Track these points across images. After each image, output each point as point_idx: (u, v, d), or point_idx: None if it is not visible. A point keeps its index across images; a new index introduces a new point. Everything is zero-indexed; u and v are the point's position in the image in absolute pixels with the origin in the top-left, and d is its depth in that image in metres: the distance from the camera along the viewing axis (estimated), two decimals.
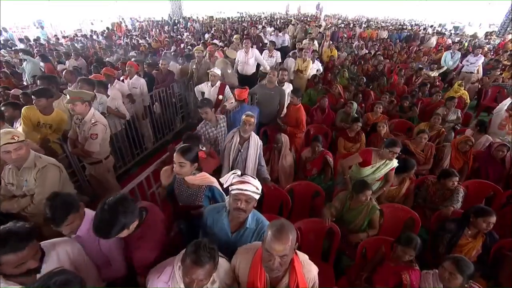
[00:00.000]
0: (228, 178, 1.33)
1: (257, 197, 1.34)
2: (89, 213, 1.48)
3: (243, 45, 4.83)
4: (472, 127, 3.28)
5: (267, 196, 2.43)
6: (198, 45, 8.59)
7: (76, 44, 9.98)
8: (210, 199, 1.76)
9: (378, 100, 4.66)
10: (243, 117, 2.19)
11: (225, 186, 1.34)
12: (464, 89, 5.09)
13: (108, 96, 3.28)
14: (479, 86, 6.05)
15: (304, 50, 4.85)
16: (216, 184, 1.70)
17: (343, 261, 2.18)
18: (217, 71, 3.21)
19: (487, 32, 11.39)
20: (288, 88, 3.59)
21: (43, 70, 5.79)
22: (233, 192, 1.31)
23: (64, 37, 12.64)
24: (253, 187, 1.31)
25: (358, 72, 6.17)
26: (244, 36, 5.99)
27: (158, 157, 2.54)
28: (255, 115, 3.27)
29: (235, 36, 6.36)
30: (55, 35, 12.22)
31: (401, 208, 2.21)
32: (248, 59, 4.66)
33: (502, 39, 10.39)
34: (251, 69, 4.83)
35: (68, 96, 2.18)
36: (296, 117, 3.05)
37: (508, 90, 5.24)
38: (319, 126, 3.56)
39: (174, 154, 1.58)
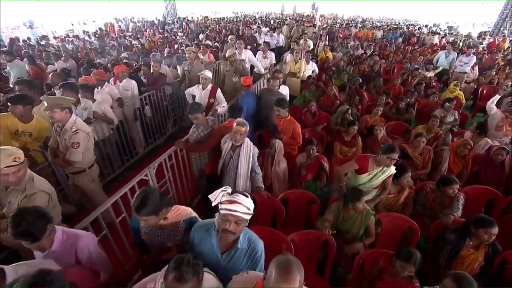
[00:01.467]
0: (217, 196, 1.20)
1: (248, 217, 1.21)
2: (58, 227, 1.43)
3: (236, 46, 4.72)
4: (472, 130, 3.21)
5: (260, 205, 2.32)
6: (192, 45, 8.53)
7: (67, 45, 9.77)
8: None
9: (375, 102, 4.62)
10: (234, 125, 2.09)
11: (213, 204, 1.22)
12: (459, 89, 5.05)
13: (94, 100, 3.14)
14: (475, 86, 6.03)
15: (295, 51, 4.74)
16: (194, 214, 1.56)
17: (338, 273, 2.08)
18: (208, 73, 3.09)
19: (480, 32, 11.44)
20: (283, 90, 3.49)
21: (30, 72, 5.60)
22: (222, 211, 1.18)
23: (55, 37, 12.40)
24: (244, 208, 1.18)
25: (354, 73, 6.09)
26: (237, 37, 5.88)
27: (149, 161, 2.42)
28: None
29: (229, 37, 6.23)
30: (46, 36, 11.96)
31: (400, 217, 2.11)
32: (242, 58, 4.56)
33: (493, 38, 10.42)
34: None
35: (46, 103, 2.04)
36: (292, 130, 2.91)
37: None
38: (314, 131, 3.45)
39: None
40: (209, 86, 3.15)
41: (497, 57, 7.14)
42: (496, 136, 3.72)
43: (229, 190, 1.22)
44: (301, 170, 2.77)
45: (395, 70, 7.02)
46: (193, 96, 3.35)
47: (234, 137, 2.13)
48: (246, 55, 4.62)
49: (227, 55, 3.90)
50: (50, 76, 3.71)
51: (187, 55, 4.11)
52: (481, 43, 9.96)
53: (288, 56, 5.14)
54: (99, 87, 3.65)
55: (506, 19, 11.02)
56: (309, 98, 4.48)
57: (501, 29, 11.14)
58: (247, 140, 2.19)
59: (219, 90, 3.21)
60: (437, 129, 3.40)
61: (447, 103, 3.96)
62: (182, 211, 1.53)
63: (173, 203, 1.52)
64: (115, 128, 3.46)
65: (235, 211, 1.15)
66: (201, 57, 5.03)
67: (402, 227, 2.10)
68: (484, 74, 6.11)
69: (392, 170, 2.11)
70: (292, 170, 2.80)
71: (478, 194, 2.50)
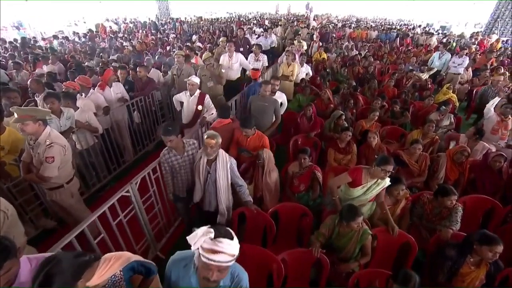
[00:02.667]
0: (198, 239, 1.02)
1: (232, 262, 1.07)
2: (23, 259, 1.23)
3: (227, 49, 4.59)
4: (469, 135, 3.13)
5: (250, 221, 2.21)
6: (186, 46, 8.36)
7: (55, 44, 9.48)
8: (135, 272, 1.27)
9: (370, 105, 4.54)
10: (204, 138, 1.99)
11: (193, 248, 1.04)
12: (452, 92, 5.00)
13: (77, 108, 2.98)
14: (469, 88, 5.99)
15: (287, 54, 4.62)
16: (134, 257, 1.28)
17: None
18: (195, 79, 2.96)
19: (473, 33, 11.49)
20: (280, 97, 3.39)
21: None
22: (202, 258, 1.02)
23: (43, 39, 12.09)
24: (228, 257, 1.02)
25: (349, 75, 6.01)
26: (228, 39, 5.75)
27: (138, 169, 2.28)
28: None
29: (221, 39, 6.10)
30: (34, 37, 11.65)
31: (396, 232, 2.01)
32: (232, 64, 4.43)
33: (483, 38, 10.45)
34: (235, 74, 4.60)
35: (16, 115, 1.88)
36: (261, 145, 2.63)
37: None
38: (307, 137, 3.34)
39: None
40: (197, 93, 3.01)
41: (491, 57, 7.13)
42: (492, 139, 3.66)
43: (211, 234, 1.03)
44: (294, 180, 2.66)
45: (389, 71, 6.98)
46: (181, 103, 3.21)
47: (205, 151, 2.00)
48: (238, 58, 4.49)
49: (203, 58, 3.75)
50: (28, 82, 3.51)
51: (176, 59, 3.97)
52: (474, 43, 10.00)
53: (284, 58, 5.02)
54: (83, 94, 3.50)
55: (498, 19, 11.09)
56: (303, 102, 4.41)
57: (493, 29, 11.20)
58: (221, 152, 2.07)
59: (207, 96, 3.07)
60: (433, 134, 3.32)
61: (443, 107, 3.89)
62: (115, 262, 1.22)
63: (100, 256, 1.17)
64: (100, 136, 3.30)
65: (218, 261, 1.00)
66: (192, 61, 4.89)
67: (399, 243, 2.00)
68: (478, 75, 6.08)
69: (387, 182, 2.01)
70: (283, 179, 2.69)
71: (477, 203, 2.41)
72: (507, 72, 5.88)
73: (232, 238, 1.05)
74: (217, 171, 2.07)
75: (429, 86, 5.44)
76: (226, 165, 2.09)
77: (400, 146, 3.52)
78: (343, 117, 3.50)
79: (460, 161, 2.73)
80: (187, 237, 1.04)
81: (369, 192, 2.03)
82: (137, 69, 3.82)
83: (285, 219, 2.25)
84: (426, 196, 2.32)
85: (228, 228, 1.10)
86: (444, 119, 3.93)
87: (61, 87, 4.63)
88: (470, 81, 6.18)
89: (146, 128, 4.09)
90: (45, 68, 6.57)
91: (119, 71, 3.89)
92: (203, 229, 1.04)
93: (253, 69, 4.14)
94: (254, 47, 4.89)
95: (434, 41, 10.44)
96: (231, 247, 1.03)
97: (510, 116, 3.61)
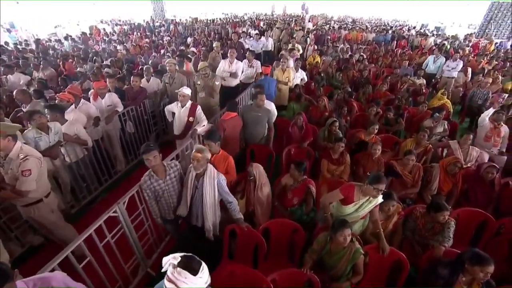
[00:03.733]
0: (166, 263, 0.99)
1: None
2: (20, 282, 1.25)
3: (229, 55, 4.54)
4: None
5: (241, 238, 2.17)
6: (180, 50, 8.29)
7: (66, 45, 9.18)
8: None
9: (364, 112, 4.52)
10: (193, 151, 1.96)
11: (163, 270, 1.01)
12: (446, 97, 5.02)
13: (65, 121, 2.91)
14: (463, 91, 6.02)
15: (282, 60, 4.59)
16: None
17: None
18: (186, 90, 2.91)
19: (466, 34, 11.56)
20: (269, 106, 3.36)
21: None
22: (165, 285, 0.98)
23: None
24: None
25: (343, 80, 5.98)
26: (223, 41, 5.70)
27: (132, 179, 2.23)
28: (273, 86, 4.00)
29: (215, 44, 6.04)
30: (26, 40, 11.46)
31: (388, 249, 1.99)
32: (231, 70, 4.39)
33: (477, 40, 10.54)
34: (235, 82, 4.57)
35: None
36: (226, 165, 2.48)
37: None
38: (300, 147, 3.31)
39: None
40: (188, 104, 2.96)
41: (481, 60, 7.17)
42: (485, 146, 3.68)
43: (176, 262, 0.98)
44: (288, 193, 2.63)
45: (384, 74, 6.98)
46: (173, 114, 3.16)
47: (194, 165, 1.97)
48: (237, 67, 4.47)
49: (198, 68, 3.66)
50: (15, 93, 3.43)
51: (167, 68, 3.91)
52: (468, 45, 10.06)
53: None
54: (74, 105, 3.43)
55: (491, 21, 11.17)
56: (297, 111, 4.37)
57: (486, 30, 11.29)
58: (210, 168, 2.04)
59: (199, 107, 3.03)
60: (426, 143, 3.32)
61: (436, 114, 3.89)
62: None
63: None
64: (91, 147, 3.24)
65: None
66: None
67: (391, 260, 1.99)
68: (472, 79, 6.10)
69: (379, 199, 1.99)
70: (275, 191, 2.65)
71: (470, 216, 2.40)
72: (499, 76, 5.91)
73: (195, 273, 0.98)
74: (204, 186, 2.04)
75: (424, 90, 5.44)
76: (213, 181, 2.05)
77: (394, 155, 3.52)
78: (337, 124, 3.47)
79: (453, 172, 2.73)
80: (163, 258, 1.00)
81: (361, 210, 2.01)
82: (131, 79, 3.74)
83: (276, 235, 2.22)
84: (419, 210, 2.30)
85: (199, 261, 1.04)
86: (438, 126, 3.93)
87: (53, 96, 4.58)
88: (464, 84, 6.20)
89: (138, 137, 4.03)
90: (35, 74, 6.47)
91: (108, 80, 3.81)
92: (175, 255, 1.00)
93: (264, 65, 4.55)
94: (247, 53, 4.84)
95: (430, 42, 10.49)
96: (189, 281, 0.96)
97: (502, 123, 3.63)
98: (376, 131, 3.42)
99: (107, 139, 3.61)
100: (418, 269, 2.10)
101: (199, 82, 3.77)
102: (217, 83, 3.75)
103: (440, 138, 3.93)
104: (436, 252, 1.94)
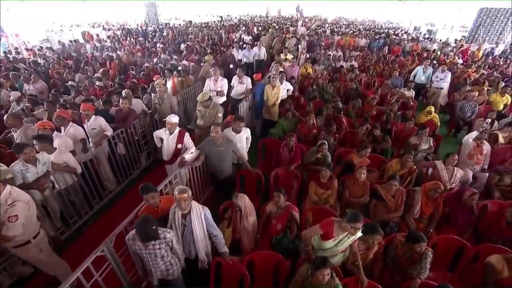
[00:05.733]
0: None
1: None
2: None
3: (212, 73, 4.58)
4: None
5: (226, 271, 2.23)
6: (172, 59, 8.29)
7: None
8: None
9: (353, 127, 4.59)
10: (176, 195, 1.98)
11: None
12: (434, 109, 5.12)
13: (54, 149, 2.93)
14: (449, 101, 6.14)
15: (272, 77, 4.64)
16: None
17: None
18: (174, 119, 2.94)
19: (456, 40, 11.71)
20: (245, 133, 3.37)
21: None
22: None
23: (27, 49, 11.76)
24: None
25: (334, 92, 6.05)
26: (216, 47, 5.73)
27: (122, 200, 2.24)
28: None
29: (207, 57, 6.07)
30: (16, 48, 11.32)
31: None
32: (217, 89, 4.44)
33: (467, 45, 10.71)
34: (221, 99, 4.62)
35: None
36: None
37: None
38: (287, 170, 3.37)
39: None
40: (176, 131, 3.00)
41: (467, 70, 7.30)
42: (469, 164, 3.79)
43: None
44: (272, 220, 2.69)
45: (375, 84, 7.07)
46: (161, 139, 3.19)
47: (179, 206, 2.02)
48: (222, 83, 4.51)
49: (199, 99, 3.57)
50: (5, 118, 3.42)
51: (157, 89, 3.94)
52: (452, 51, 10.20)
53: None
54: (62, 128, 3.45)
55: (480, 26, 11.35)
56: (286, 127, 4.43)
57: (475, 36, 11.47)
58: (194, 204, 2.10)
59: (187, 134, 3.06)
60: (411, 164, 3.40)
61: (420, 131, 3.98)
62: None
63: None
64: (79, 174, 3.26)
65: None
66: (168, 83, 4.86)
67: None
68: (458, 90, 6.22)
69: (358, 234, 2.06)
70: (261, 220, 2.72)
71: (448, 243, 2.49)
72: (484, 88, 6.03)
73: None
74: (192, 223, 2.10)
75: (411, 104, 5.54)
76: (201, 216, 2.12)
77: (380, 175, 3.60)
78: (325, 146, 3.54)
79: (434, 197, 2.82)
80: None
81: (340, 245, 2.09)
82: (120, 101, 3.75)
83: (260, 267, 2.29)
84: (399, 239, 2.38)
85: None
86: (423, 143, 4.02)
87: (42, 112, 4.56)
88: (452, 95, 6.32)
89: (129, 157, 4.05)
90: (26, 87, 6.40)
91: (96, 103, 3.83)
92: None
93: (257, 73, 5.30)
94: (238, 70, 4.88)
95: (434, 47, 10.60)
96: None
97: (485, 142, 3.74)
98: (367, 154, 3.49)
99: (96, 162, 3.63)
100: None
101: (199, 109, 3.72)
102: (219, 114, 3.70)
103: (426, 155, 4.02)
104: (412, 285, 2.02)
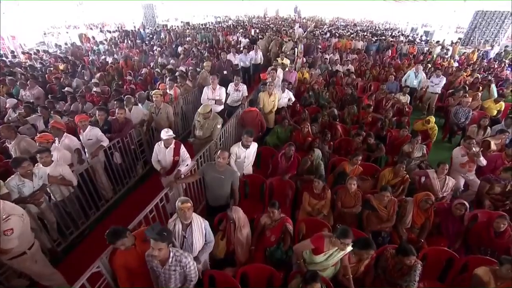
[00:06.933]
0: None
1: None
2: None
3: (211, 81, 4.61)
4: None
5: (220, 285, 2.27)
6: (169, 63, 8.31)
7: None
8: None
9: (348, 134, 4.64)
10: (178, 205, 2.05)
11: None
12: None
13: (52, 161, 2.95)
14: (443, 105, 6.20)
15: (268, 84, 4.68)
16: None
17: None
18: (168, 133, 2.97)
19: (452, 42, 11.77)
20: (253, 148, 3.39)
21: None
22: None
23: (23, 52, 11.72)
24: None
25: (330, 98, 6.09)
26: (213, 50, 5.74)
27: (119, 209, 2.27)
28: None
29: (205, 64, 6.09)
30: (12, 51, 11.27)
31: None
32: (215, 97, 4.48)
33: (462, 55, 10.75)
34: (219, 107, 4.66)
35: None
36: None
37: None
38: (282, 179, 3.42)
39: None
40: (172, 144, 3.04)
41: (460, 75, 7.37)
42: (461, 172, 3.85)
43: None
44: (266, 232, 2.74)
45: (371, 89, 7.13)
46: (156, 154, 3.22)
47: (182, 216, 2.08)
48: (220, 92, 4.55)
49: (200, 112, 3.54)
50: (0, 128, 3.43)
51: (154, 99, 3.97)
52: (446, 54, 10.26)
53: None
54: (57, 139, 3.46)
55: (475, 29, 11.44)
56: (281, 135, 4.47)
57: (471, 38, 11.56)
58: (195, 215, 2.17)
59: (182, 146, 3.09)
60: (404, 173, 3.45)
61: (412, 138, 4.04)
62: None
63: None
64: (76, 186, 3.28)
65: None
66: (169, 92, 4.88)
67: None
68: (453, 95, 6.27)
69: (348, 249, 2.10)
70: (255, 232, 2.76)
71: (437, 255, 2.55)
72: (478, 93, 6.10)
73: None
74: (193, 235, 2.17)
75: (407, 110, 5.60)
76: (201, 227, 2.21)
77: (373, 183, 3.66)
78: (315, 153, 3.59)
79: (425, 208, 2.87)
80: None
81: (331, 259, 2.13)
82: (116, 111, 3.77)
83: (254, 279, 2.33)
84: (390, 251, 2.43)
85: None
86: (416, 151, 4.07)
87: (36, 118, 4.57)
88: (446, 100, 6.38)
89: (126, 166, 4.08)
90: (22, 93, 6.39)
91: (97, 113, 3.84)
92: None
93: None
94: (234, 77, 4.92)
95: (437, 51, 10.63)
96: None
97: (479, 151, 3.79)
98: (359, 161, 3.54)
99: (92, 171, 3.65)
100: None
101: (198, 119, 3.67)
102: (218, 126, 3.64)
103: (419, 163, 4.07)
104: None
